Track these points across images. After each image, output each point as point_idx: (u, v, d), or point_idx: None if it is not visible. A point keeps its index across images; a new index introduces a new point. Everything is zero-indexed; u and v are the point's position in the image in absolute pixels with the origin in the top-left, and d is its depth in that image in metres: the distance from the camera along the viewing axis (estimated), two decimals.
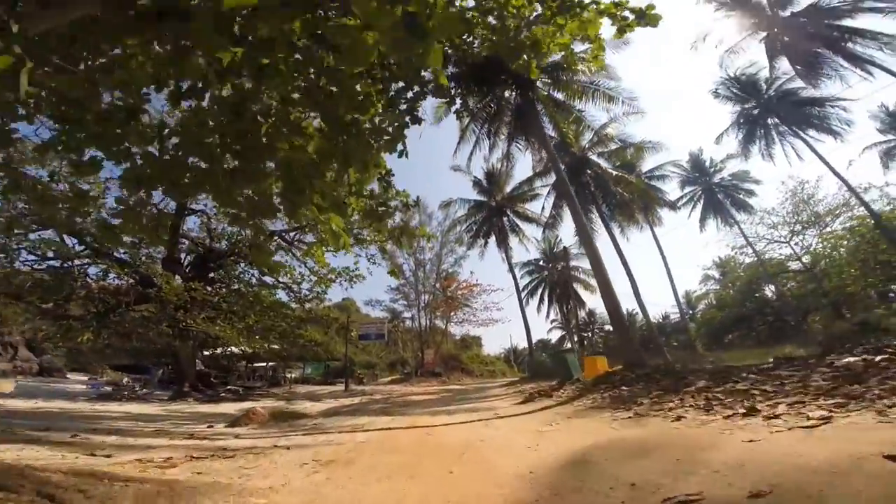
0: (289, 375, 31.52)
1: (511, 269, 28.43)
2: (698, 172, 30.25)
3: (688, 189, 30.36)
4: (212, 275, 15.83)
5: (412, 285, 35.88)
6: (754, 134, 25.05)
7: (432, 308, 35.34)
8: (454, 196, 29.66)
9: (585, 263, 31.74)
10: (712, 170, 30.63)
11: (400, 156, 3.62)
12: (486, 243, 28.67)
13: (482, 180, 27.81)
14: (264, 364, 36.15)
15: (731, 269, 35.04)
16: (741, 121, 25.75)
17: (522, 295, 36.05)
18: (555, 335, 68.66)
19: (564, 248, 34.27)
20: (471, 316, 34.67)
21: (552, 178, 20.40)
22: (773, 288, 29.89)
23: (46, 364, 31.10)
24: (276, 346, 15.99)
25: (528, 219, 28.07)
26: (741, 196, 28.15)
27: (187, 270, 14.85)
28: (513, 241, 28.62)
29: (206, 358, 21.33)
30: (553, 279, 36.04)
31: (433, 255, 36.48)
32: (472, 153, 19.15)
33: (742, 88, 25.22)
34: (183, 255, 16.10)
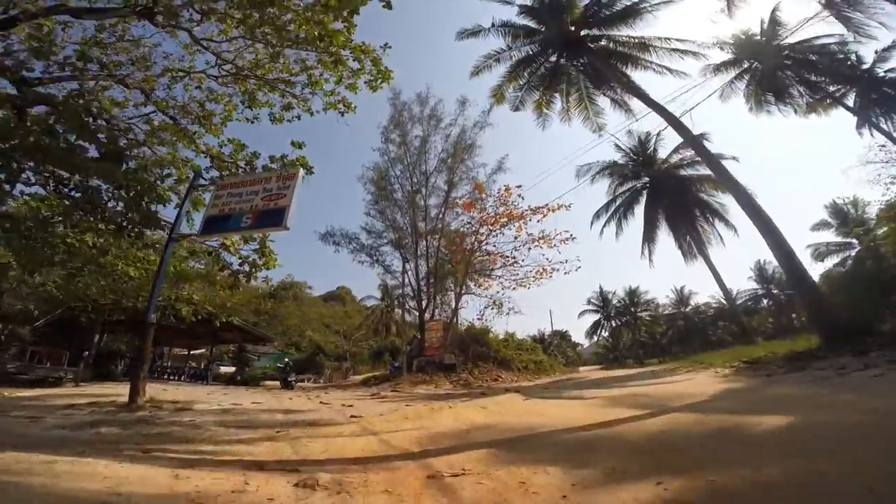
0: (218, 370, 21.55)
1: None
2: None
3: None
4: None
5: (402, 208, 21.18)
6: None
7: (450, 256, 20.14)
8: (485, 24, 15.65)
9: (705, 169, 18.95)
10: (863, 65, 18.64)
11: None
12: (547, 101, 15.76)
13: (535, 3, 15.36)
14: (187, 352, 26.31)
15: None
16: None
17: (600, 219, 23.62)
18: (586, 321, 52.56)
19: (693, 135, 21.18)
20: (509, 260, 18.39)
21: None
22: None
23: None
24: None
25: (632, 53, 14.73)
26: None
27: None
28: (603, 102, 15.93)
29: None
30: (660, 190, 22.24)
31: (440, 156, 21.42)
32: None
33: None
34: None
